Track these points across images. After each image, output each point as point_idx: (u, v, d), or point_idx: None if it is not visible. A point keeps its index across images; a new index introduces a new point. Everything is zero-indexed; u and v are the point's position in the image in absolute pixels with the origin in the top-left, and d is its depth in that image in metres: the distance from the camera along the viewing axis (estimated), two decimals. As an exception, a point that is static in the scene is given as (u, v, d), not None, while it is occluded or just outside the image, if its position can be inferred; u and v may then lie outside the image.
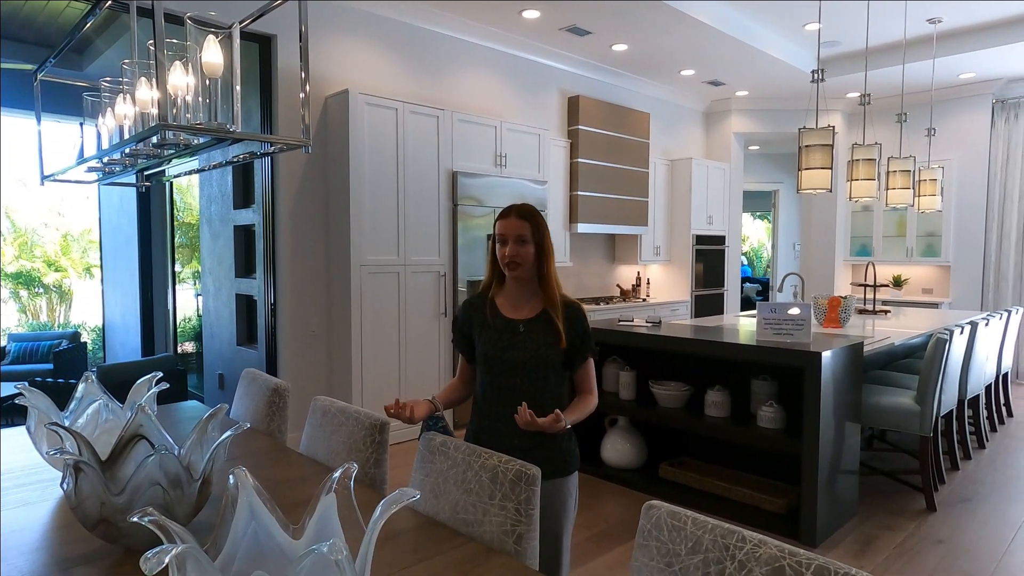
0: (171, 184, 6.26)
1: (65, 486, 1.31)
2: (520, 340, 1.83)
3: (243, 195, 4.81)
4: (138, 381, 1.77)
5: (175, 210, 6.53)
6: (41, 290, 9.97)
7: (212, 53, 1.27)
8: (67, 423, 1.62)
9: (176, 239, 6.48)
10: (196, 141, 1.40)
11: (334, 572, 0.86)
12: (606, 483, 3.74)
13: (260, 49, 4.17)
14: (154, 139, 1.44)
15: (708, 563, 1.09)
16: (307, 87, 1.37)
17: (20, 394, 1.72)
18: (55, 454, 1.25)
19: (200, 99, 1.31)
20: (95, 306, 8.16)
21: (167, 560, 0.78)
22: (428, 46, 4.95)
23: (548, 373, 1.84)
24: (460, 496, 1.57)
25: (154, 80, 1.29)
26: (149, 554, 0.78)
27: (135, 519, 0.89)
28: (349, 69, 4.48)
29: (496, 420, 1.84)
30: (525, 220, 1.82)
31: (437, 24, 4.93)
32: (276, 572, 0.96)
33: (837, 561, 0.97)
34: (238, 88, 1.30)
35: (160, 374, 1.78)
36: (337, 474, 1.04)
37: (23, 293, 9.88)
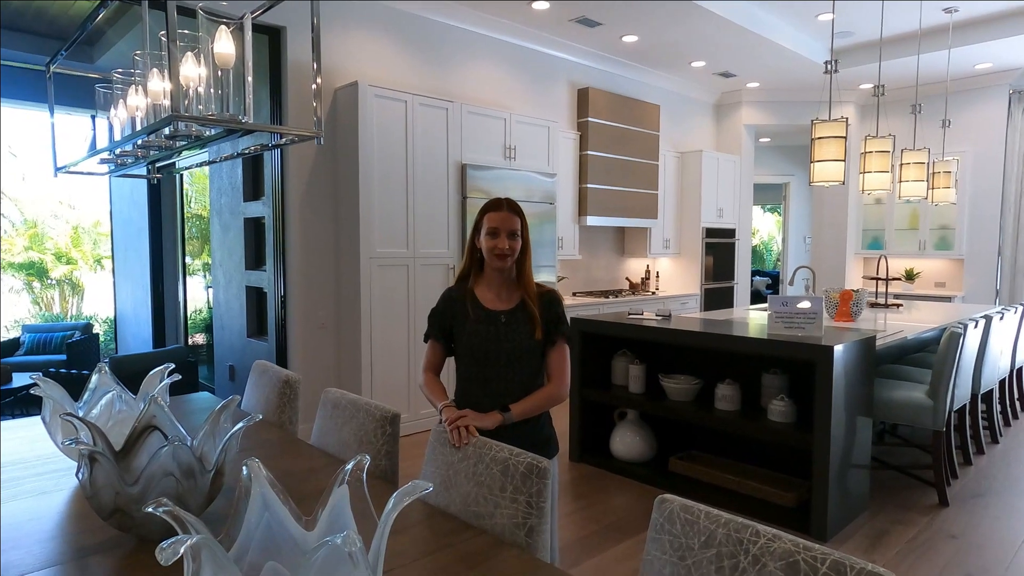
0: (182, 176, 6.29)
1: (80, 476, 1.32)
2: (503, 331, 1.88)
3: (253, 187, 4.82)
4: (150, 372, 1.78)
5: (186, 202, 6.56)
6: (53, 282, 10.07)
7: (224, 44, 1.27)
8: (81, 414, 1.63)
9: (187, 231, 6.51)
10: (208, 132, 1.40)
11: (347, 564, 0.86)
12: (615, 476, 3.74)
13: (270, 41, 4.16)
14: (166, 130, 1.44)
15: (721, 557, 1.08)
16: (319, 79, 1.37)
17: (35, 384, 1.74)
18: (70, 444, 1.26)
19: (212, 90, 1.30)
20: (107, 298, 8.23)
21: (182, 551, 0.79)
22: (437, 38, 4.93)
23: (530, 361, 1.90)
24: (471, 488, 1.57)
25: (166, 71, 1.29)
26: (164, 544, 0.78)
27: (150, 509, 0.89)
28: (358, 61, 4.47)
29: (480, 410, 1.83)
30: (516, 215, 1.89)
31: (446, 16, 4.91)
32: (289, 563, 0.96)
33: (852, 556, 0.97)
34: (250, 79, 1.29)
35: (172, 365, 1.80)
36: (349, 466, 1.04)
37: (36, 285, 9.98)
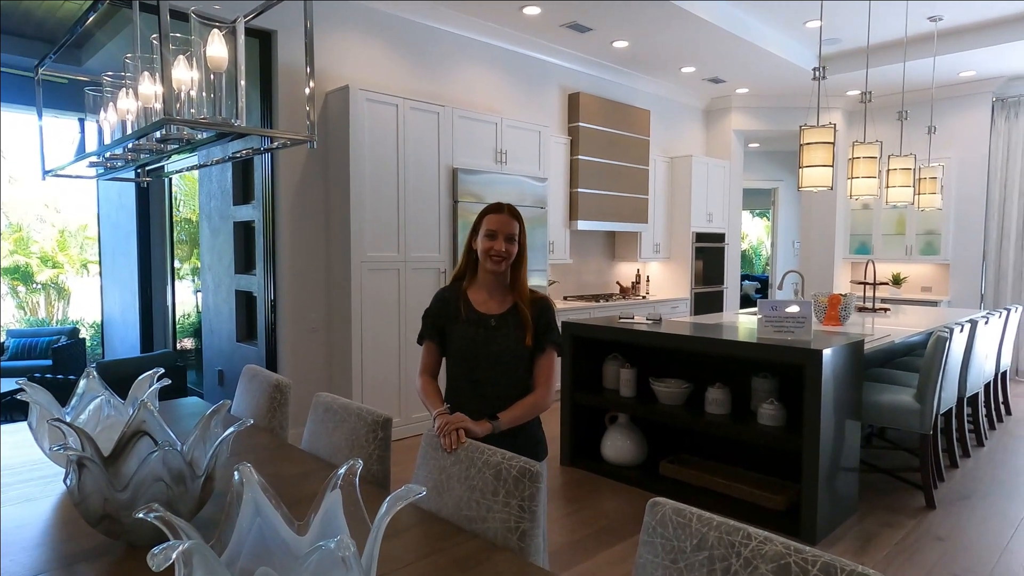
0: (170, 179, 6.25)
1: (68, 482, 1.30)
2: (492, 334, 1.89)
3: (243, 191, 4.80)
4: (140, 377, 1.76)
5: (174, 205, 6.51)
6: (39, 286, 9.95)
7: (216, 47, 1.26)
8: (69, 419, 1.62)
9: (175, 235, 6.47)
10: (200, 136, 1.39)
11: (341, 569, 0.86)
12: (606, 480, 3.74)
13: (260, 44, 4.15)
14: (157, 134, 1.43)
15: (713, 560, 1.09)
16: (312, 83, 1.37)
17: (21, 390, 1.72)
18: (58, 450, 1.25)
19: (204, 94, 1.30)
20: (94, 302, 8.15)
21: (174, 556, 0.78)
22: (429, 42, 4.94)
23: (517, 366, 1.91)
24: (463, 493, 1.56)
25: (157, 75, 1.28)
26: (156, 550, 0.78)
27: (141, 515, 0.89)
28: (349, 65, 4.47)
29: (467, 412, 1.83)
30: (516, 220, 1.91)
31: (438, 20, 4.92)
32: (281, 568, 0.96)
33: (842, 558, 0.97)
34: (243, 83, 1.29)
35: (162, 370, 1.78)
36: (342, 470, 1.03)
37: (21, 289, 9.86)
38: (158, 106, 1.44)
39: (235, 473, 1.01)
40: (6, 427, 2.26)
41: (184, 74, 1.30)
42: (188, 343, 6.62)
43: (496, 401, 1.88)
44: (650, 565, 1.17)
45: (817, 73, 3.94)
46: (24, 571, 1.24)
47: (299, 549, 1.00)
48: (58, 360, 6.07)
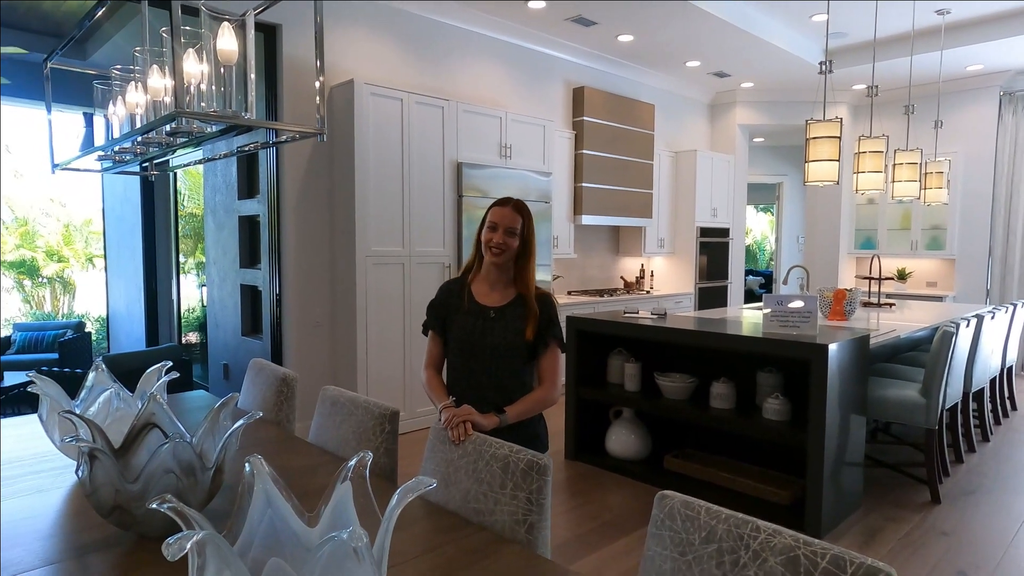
0: (175, 174, 6.26)
1: (80, 473, 1.31)
2: (491, 326, 1.91)
3: (248, 185, 4.80)
4: (148, 370, 1.77)
5: (179, 200, 6.53)
6: (44, 280, 10.00)
7: (227, 41, 1.26)
8: (78, 411, 1.62)
9: (180, 229, 6.48)
10: (209, 129, 1.39)
11: (353, 560, 0.86)
12: (611, 474, 3.75)
13: (265, 38, 4.15)
14: (167, 127, 1.43)
15: (722, 552, 1.09)
16: (322, 77, 1.37)
17: (30, 383, 1.73)
18: (70, 442, 1.26)
19: (213, 87, 1.30)
20: (99, 296, 8.18)
21: (188, 546, 0.79)
22: (433, 36, 4.93)
23: (515, 359, 1.92)
24: (471, 485, 1.57)
25: (167, 68, 1.28)
26: (171, 540, 0.78)
27: (154, 506, 0.89)
28: (354, 59, 4.47)
29: (465, 403, 1.85)
30: (520, 215, 1.94)
31: (442, 14, 4.90)
32: (292, 559, 0.97)
33: (851, 551, 0.98)
34: (252, 76, 1.29)
35: (170, 363, 1.79)
36: (352, 462, 1.04)
37: (27, 283, 9.90)
38: (168, 99, 1.44)
39: (246, 465, 1.02)
40: (15, 420, 2.28)
41: (194, 67, 1.30)
42: (193, 337, 6.65)
43: (492, 393, 1.90)
44: (658, 558, 1.17)
45: (823, 67, 3.92)
46: (36, 561, 1.25)
47: (310, 541, 1.01)
48: (64, 354, 6.10)
